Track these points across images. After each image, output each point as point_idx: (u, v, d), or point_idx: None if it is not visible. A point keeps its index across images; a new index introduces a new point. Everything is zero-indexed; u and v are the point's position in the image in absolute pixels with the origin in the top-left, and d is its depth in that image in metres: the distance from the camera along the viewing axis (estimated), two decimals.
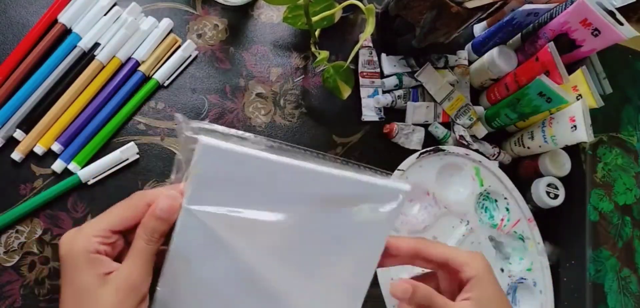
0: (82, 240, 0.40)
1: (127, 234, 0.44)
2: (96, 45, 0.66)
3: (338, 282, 0.48)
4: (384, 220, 0.47)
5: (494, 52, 0.76)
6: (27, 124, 0.61)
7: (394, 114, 0.78)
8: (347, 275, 0.48)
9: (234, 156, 0.43)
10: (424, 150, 0.75)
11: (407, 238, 0.49)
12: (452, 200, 0.75)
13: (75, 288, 0.40)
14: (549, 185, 0.75)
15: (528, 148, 0.77)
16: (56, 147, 0.62)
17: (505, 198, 0.78)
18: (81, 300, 0.40)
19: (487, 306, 0.46)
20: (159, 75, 0.68)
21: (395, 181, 0.47)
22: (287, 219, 0.46)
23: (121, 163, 0.64)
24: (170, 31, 0.71)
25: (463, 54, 0.83)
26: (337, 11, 0.67)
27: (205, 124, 0.43)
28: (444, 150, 0.75)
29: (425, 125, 0.78)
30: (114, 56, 0.67)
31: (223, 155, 0.43)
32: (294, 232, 0.47)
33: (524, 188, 0.78)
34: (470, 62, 0.83)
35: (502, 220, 0.77)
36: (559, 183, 0.76)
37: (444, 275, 0.49)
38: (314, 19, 0.66)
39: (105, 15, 0.68)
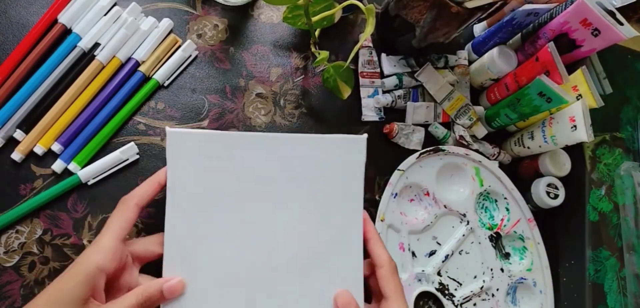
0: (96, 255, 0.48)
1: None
2: (96, 45, 0.66)
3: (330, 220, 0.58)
4: (361, 160, 0.59)
5: (494, 52, 0.76)
6: (27, 124, 0.61)
7: (394, 114, 0.78)
8: (338, 206, 0.59)
9: (200, 136, 0.56)
10: (424, 150, 0.75)
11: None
12: (452, 200, 0.75)
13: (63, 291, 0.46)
14: (549, 185, 0.75)
15: (528, 148, 0.77)
16: (56, 147, 0.62)
17: (505, 198, 0.78)
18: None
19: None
20: (159, 75, 0.68)
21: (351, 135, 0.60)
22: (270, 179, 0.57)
23: (121, 163, 0.64)
24: (170, 31, 0.71)
25: (463, 54, 0.83)
26: (337, 11, 0.67)
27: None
28: (444, 150, 0.75)
29: (425, 125, 0.78)
30: (114, 56, 0.66)
31: (190, 137, 0.56)
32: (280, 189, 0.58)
33: (524, 188, 0.78)
34: (470, 62, 0.83)
35: (502, 220, 0.77)
36: (559, 183, 0.76)
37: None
38: (314, 18, 0.66)
39: (105, 15, 0.67)
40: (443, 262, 0.73)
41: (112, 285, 0.51)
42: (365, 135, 0.59)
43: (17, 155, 0.60)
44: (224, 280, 0.55)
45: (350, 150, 0.59)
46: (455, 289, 0.73)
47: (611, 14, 0.66)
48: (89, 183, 0.62)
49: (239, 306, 0.55)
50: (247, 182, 0.57)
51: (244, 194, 0.57)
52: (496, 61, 0.75)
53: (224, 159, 0.56)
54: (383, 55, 0.79)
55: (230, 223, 0.56)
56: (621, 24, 0.66)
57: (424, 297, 0.72)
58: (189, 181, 0.55)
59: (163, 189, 0.56)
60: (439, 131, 0.77)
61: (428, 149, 0.75)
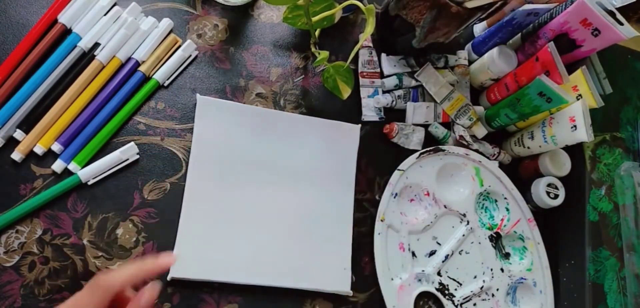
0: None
1: None
2: (96, 45, 0.66)
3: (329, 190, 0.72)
4: (355, 136, 0.74)
5: (494, 52, 0.76)
6: (27, 124, 0.61)
7: (394, 114, 0.78)
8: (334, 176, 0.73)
9: (225, 106, 0.70)
10: (424, 150, 0.75)
11: None
12: (452, 200, 0.75)
13: None
14: (549, 185, 0.75)
15: (528, 148, 0.77)
16: (56, 147, 0.62)
17: (505, 198, 0.78)
18: None
19: None
20: (159, 75, 0.68)
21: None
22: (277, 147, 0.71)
23: (121, 163, 0.64)
24: (170, 31, 0.71)
25: (463, 54, 0.83)
26: (337, 11, 0.67)
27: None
28: (444, 150, 0.75)
29: (425, 126, 0.78)
30: (114, 56, 0.67)
31: (216, 105, 0.69)
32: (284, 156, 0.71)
33: (524, 188, 0.78)
34: (470, 62, 0.83)
35: (502, 220, 0.77)
36: (559, 183, 0.76)
37: None
38: (314, 19, 0.66)
39: (105, 15, 0.68)
40: (443, 262, 0.73)
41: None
42: (359, 125, 0.75)
43: (17, 155, 0.60)
44: (232, 228, 0.66)
45: (347, 134, 0.74)
46: (455, 289, 0.73)
47: (611, 14, 0.66)
48: (89, 183, 0.62)
49: (244, 252, 0.66)
50: (259, 147, 0.70)
51: (255, 157, 0.69)
52: (496, 61, 0.75)
53: (242, 126, 0.69)
54: (383, 55, 0.79)
55: (241, 180, 0.68)
56: (621, 24, 0.66)
57: (424, 297, 0.72)
58: (210, 140, 0.68)
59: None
60: (439, 131, 0.77)
61: (428, 148, 0.75)
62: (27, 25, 0.65)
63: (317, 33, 0.72)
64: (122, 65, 0.67)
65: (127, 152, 0.64)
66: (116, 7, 0.68)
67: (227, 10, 0.75)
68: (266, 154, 0.70)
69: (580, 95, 0.71)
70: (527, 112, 0.72)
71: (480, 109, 0.80)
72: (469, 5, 0.63)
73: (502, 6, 0.76)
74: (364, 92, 0.77)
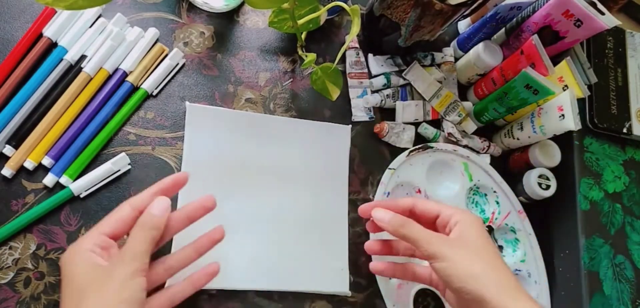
0: (79, 246, 0.48)
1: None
2: (83, 57, 0.66)
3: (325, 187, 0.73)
4: (346, 136, 0.76)
5: (479, 48, 0.77)
6: (16, 139, 0.61)
7: (384, 113, 0.79)
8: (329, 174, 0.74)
9: (215, 112, 0.70)
10: (414, 147, 0.75)
11: (404, 198, 0.60)
12: (443, 196, 0.76)
13: (76, 283, 0.45)
14: (540, 176, 0.76)
15: (517, 139, 0.77)
16: (47, 161, 0.62)
17: (495, 191, 0.78)
18: (82, 291, 0.45)
19: (471, 243, 0.52)
20: (147, 85, 0.68)
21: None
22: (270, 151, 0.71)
23: (113, 174, 0.64)
24: (157, 40, 0.71)
25: (449, 51, 0.83)
26: (322, 13, 0.67)
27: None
28: (432, 147, 0.76)
29: (416, 124, 0.79)
30: (101, 68, 0.67)
31: (206, 112, 0.70)
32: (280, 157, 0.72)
33: (515, 181, 0.79)
34: (457, 59, 0.84)
35: (493, 213, 0.78)
36: (550, 174, 0.76)
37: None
38: (300, 22, 0.67)
39: (90, 27, 0.68)
40: None
41: None
42: (350, 126, 0.76)
43: (7, 171, 0.60)
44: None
45: (338, 136, 0.75)
46: None
47: (592, 4, 0.67)
48: (82, 195, 0.62)
49: (241, 257, 0.66)
50: (251, 152, 0.70)
51: (247, 163, 0.70)
52: (482, 56, 0.76)
53: (232, 132, 0.70)
54: (370, 55, 0.80)
55: (235, 186, 0.68)
56: (602, 14, 0.66)
57: (422, 294, 0.72)
58: (201, 147, 0.68)
59: None
60: (429, 132, 0.78)
61: (417, 146, 0.75)
62: (12, 40, 0.65)
63: (303, 36, 0.73)
64: (110, 77, 0.67)
65: (119, 163, 0.64)
66: (101, 19, 0.68)
67: (213, 17, 0.75)
68: (258, 159, 0.70)
69: (566, 86, 0.72)
70: (515, 105, 0.73)
71: (468, 105, 0.81)
72: (452, 1, 0.64)
73: (485, 2, 0.77)
74: (353, 93, 0.77)
